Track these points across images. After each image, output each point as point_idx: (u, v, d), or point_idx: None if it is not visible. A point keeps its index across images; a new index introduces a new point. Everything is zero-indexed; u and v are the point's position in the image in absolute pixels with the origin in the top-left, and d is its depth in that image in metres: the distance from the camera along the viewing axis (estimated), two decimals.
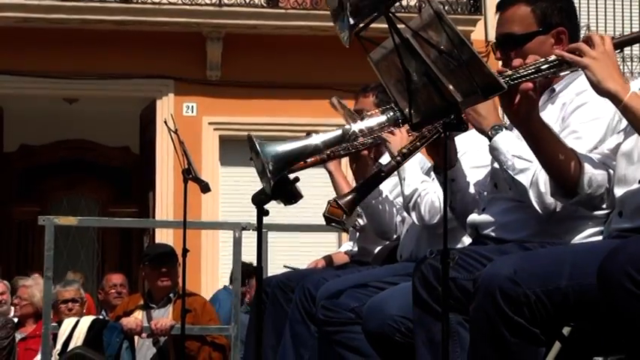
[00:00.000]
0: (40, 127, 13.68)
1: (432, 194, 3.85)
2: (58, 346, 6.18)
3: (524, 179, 3.02)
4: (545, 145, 2.92)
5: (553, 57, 2.85)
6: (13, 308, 7.88)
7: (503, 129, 3.11)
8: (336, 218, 4.57)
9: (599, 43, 2.76)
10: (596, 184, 2.94)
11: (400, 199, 4.19)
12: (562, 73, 3.02)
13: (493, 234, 3.20)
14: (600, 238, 3.04)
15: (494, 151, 3.11)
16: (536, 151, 2.94)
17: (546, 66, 2.85)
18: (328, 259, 5.07)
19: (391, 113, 2.98)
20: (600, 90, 2.73)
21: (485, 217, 3.26)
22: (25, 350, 7.32)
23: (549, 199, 2.99)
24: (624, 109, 2.71)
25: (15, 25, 11.81)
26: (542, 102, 3.23)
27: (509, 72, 2.84)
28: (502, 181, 3.24)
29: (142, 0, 12.01)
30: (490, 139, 3.12)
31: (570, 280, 2.64)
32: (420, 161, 4.15)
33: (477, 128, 3.18)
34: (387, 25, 2.65)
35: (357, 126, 3.13)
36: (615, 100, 2.71)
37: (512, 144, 3.07)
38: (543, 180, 2.99)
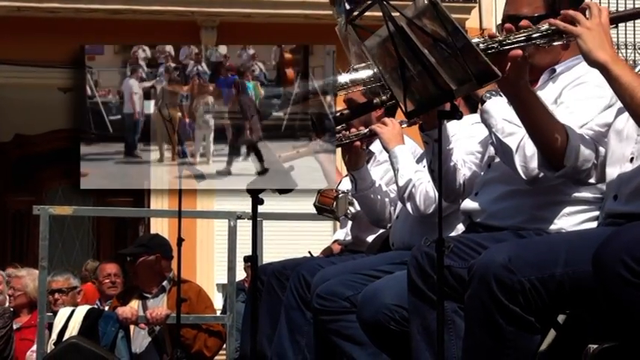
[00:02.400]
0: (35, 116, 13.64)
1: (426, 184, 3.85)
2: (54, 336, 6.17)
3: (511, 142, 3.02)
4: (532, 112, 2.92)
5: (546, 26, 2.85)
6: (8, 298, 7.86)
7: (497, 94, 3.11)
8: (326, 207, 4.62)
9: (595, 14, 2.77)
10: (583, 157, 2.94)
11: (393, 187, 4.20)
12: (555, 43, 3.00)
13: (486, 222, 3.20)
14: (595, 224, 3.05)
15: (484, 114, 3.12)
16: (523, 118, 2.94)
17: (538, 34, 2.86)
18: (328, 251, 5.09)
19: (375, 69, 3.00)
20: (590, 59, 2.74)
21: (478, 205, 3.25)
22: (20, 340, 7.30)
23: (534, 165, 2.98)
24: (612, 80, 2.71)
25: (8, 15, 11.77)
26: (543, 81, 3.23)
27: (500, 37, 2.84)
28: (496, 161, 3.23)
29: None
30: (483, 102, 3.13)
31: (565, 267, 2.65)
32: (412, 149, 4.16)
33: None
34: (381, 13, 2.65)
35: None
36: (604, 70, 2.72)
37: (504, 109, 3.07)
38: (531, 145, 2.99)
